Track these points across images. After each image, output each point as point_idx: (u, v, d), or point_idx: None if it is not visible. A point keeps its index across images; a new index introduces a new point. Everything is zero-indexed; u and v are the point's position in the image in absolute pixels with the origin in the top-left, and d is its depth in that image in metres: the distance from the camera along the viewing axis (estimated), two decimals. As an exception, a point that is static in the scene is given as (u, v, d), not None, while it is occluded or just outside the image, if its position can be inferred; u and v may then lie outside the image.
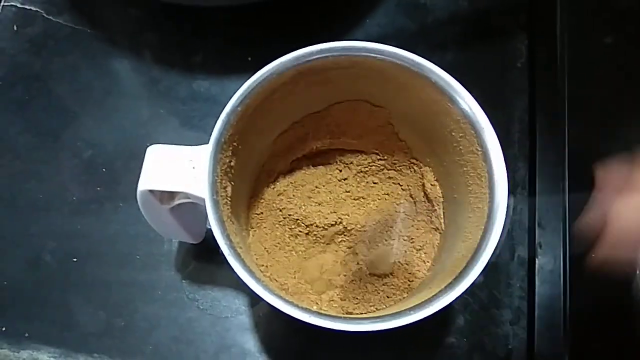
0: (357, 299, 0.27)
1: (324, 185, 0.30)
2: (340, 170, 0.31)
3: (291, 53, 0.24)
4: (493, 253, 0.22)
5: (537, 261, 0.32)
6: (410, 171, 0.30)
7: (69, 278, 0.34)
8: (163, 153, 0.24)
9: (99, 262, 0.34)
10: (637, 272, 0.30)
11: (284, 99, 0.25)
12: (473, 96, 0.24)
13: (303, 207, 0.30)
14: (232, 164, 0.24)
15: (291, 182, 0.30)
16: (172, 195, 0.25)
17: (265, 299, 0.21)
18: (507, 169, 0.23)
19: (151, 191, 0.24)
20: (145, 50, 0.39)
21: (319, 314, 0.21)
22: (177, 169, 0.23)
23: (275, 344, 0.32)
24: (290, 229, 0.29)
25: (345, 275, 0.28)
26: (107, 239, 0.34)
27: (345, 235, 0.30)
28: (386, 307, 0.27)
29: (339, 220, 0.30)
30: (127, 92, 0.38)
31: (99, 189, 0.35)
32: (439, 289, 0.21)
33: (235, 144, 0.24)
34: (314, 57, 0.24)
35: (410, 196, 0.30)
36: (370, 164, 0.31)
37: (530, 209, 0.33)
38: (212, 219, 0.22)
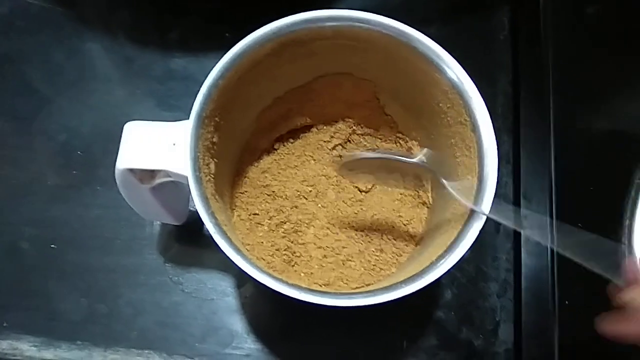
0: (346, 274, 0.27)
1: (308, 162, 0.30)
2: (325, 147, 0.30)
3: (274, 22, 0.23)
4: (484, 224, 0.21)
5: (522, 234, 0.32)
6: (397, 146, 0.30)
7: (48, 265, 0.33)
8: (142, 130, 0.23)
9: (78, 248, 0.33)
10: (623, 241, 0.30)
11: (267, 72, 0.25)
12: (461, 65, 0.23)
13: (288, 184, 0.29)
14: (214, 140, 0.23)
15: (275, 160, 0.29)
16: (152, 174, 0.24)
17: (254, 276, 0.20)
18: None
19: (130, 170, 0.23)
20: (118, 28, 0.38)
21: (309, 290, 0.20)
22: (157, 146, 0.22)
23: (263, 324, 0.31)
24: (275, 206, 0.28)
25: (333, 251, 0.28)
26: (86, 224, 0.33)
27: (330, 210, 0.29)
28: (375, 282, 0.27)
29: (324, 196, 0.29)
30: (101, 72, 0.37)
31: (75, 172, 0.34)
32: (429, 261, 0.21)
33: (217, 119, 0.23)
34: (298, 26, 0.23)
35: (397, 171, 0.30)
36: (356, 140, 0.30)
37: (515, 181, 0.33)
38: (196, 196, 0.21)
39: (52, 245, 0.33)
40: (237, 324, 0.31)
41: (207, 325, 0.31)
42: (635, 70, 0.34)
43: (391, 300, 0.20)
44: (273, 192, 0.28)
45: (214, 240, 0.21)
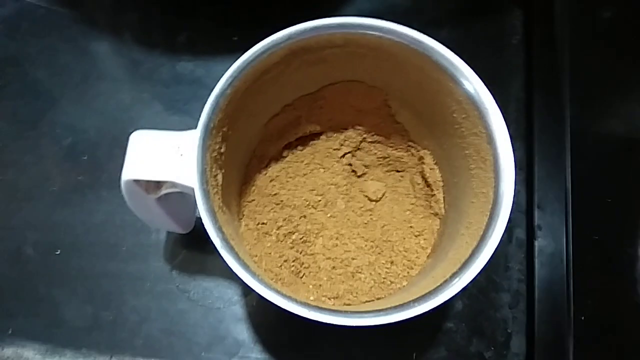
0: (355, 287, 0.26)
1: (317, 170, 0.29)
2: (334, 155, 0.30)
3: (283, 30, 0.23)
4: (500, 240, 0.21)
5: (536, 244, 0.31)
6: (408, 154, 0.29)
7: (52, 271, 0.32)
8: (148, 139, 0.22)
9: (83, 253, 0.32)
10: (639, 253, 0.29)
11: (275, 80, 0.24)
12: (478, 75, 0.22)
13: (296, 192, 0.28)
14: (222, 150, 0.23)
15: (283, 168, 0.29)
16: (158, 184, 0.24)
17: (262, 294, 0.20)
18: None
19: (136, 181, 0.22)
20: (125, 30, 0.37)
21: (319, 308, 0.20)
22: (163, 156, 0.22)
23: (270, 333, 0.31)
24: (283, 216, 0.28)
25: (342, 262, 0.27)
26: (91, 229, 0.33)
27: (340, 220, 0.29)
28: (385, 295, 0.26)
29: (333, 206, 0.29)
30: (108, 75, 0.36)
31: (80, 177, 0.34)
32: (443, 278, 0.20)
33: (225, 129, 0.23)
34: (308, 34, 0.22)
35: (408, 180, 0.29)
36: (365, 149, 0.30)
37: (529, 190, 0.33)
38: (203, 210, 0.21)
39: (57, 251, 0.32)
40: (244, 333, 0.31)
41: (213, 334, 0.31)
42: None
43: (403, 320, 0.20)
44: (281, 201, 0.28)
45: (220, 256, 0.20)
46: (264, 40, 0.22)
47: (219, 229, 0.20)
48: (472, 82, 0.22)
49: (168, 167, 0.22)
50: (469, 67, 0.22)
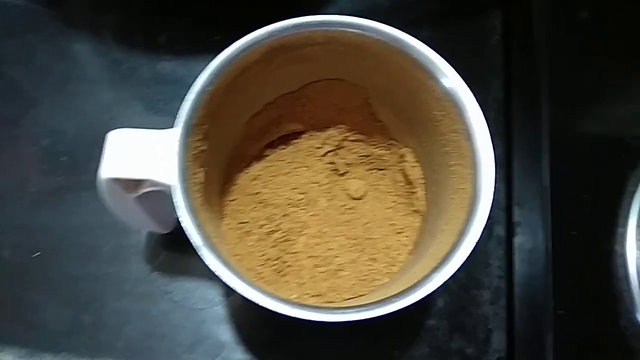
0: (338, 285, 0.26)
1: (299, 169, 0.29)
2: (316, 154, 0.30)
3: (264, 27, 0.23)
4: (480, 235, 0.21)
5: (515, 240, 0.31)
6: (389, 153, 0.29)
7: (31, 274, 0.32)
8: (127, 138, 0.22)
9: (62, 256, 0.32)
10: (616, 249, 0.30)
11: (256, 78, 0.24)
12: (457, 72, 0.23)
13: (279, 191, 0.28)
14: (203, 148, 0.23)
15: (266, 166, 0.29)
16: (138, 183, 0.23)
17: (243, 293, 0.20)
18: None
19: (115, 179, 0.22)
20: (105, 30, 0.37)
21: (301, 305, 0.20)
22: (143, 155, 0.22)
23: (253, 334, 0.31)
24: (265, 215, 0.28)
25: (325, 260, 0.27)
26: (70, 231, 0.32)
27: (322, 218, 0.29)
28: (367, 292, 0.26)
29: (315, 204, 0.29)
30: (88, 75, 0.36)
31: (59, 178, 0.34)
32: (423, 274, 0.21)
33: (205, 126, 0.23)
34: (289, 32, 0.23)
35: (390, 178, 0.29)
36: (347, 147, 0.30)
37: (508, 188, 0.33)
38: (183, 207, 0.21)
39: (36, 254, 0.32)
40: (226, 333, 0.31)
41: (195, 335, 0.31)
42: (630, 75, 0.34)
43: (384, 315, 0.20)
44: (264, 200, 0.28)
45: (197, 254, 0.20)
46: (245, 37, 0.23)
47: (199, 227, 0.20)
48: (451, 80, 0.23)
49: (148, 165, 0.21)
50: (447, 65, 0.23)
